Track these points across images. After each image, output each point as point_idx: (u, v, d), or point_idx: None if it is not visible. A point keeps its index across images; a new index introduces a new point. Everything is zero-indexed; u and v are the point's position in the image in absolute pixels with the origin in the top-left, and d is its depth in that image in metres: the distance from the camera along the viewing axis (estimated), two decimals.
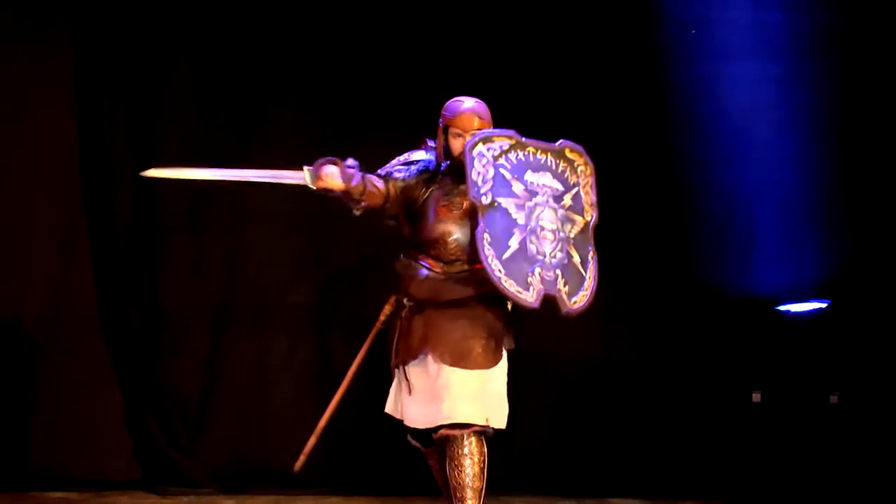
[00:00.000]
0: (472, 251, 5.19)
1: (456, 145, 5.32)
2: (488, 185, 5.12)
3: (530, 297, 5.06)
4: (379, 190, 5.35)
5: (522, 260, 5.11)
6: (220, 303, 7.42)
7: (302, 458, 5.54)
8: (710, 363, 7.48)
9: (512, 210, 5.16)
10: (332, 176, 5.36)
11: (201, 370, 7.40)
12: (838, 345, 7.31)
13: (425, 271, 5.34)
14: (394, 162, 5.47)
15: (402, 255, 5.47)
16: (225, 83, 7.44)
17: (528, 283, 5.08)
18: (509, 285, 5.05)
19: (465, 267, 5.29)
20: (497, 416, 5.32)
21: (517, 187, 5.20)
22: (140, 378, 7.29)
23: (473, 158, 5.12)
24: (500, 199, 5.13)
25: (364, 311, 7.30)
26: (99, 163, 7.29)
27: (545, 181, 5.30)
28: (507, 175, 5.18)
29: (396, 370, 5.46)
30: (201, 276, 7.42)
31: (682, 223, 7.49)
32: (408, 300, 5.39)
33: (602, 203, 7.45)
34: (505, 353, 5.36)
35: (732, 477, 7.33)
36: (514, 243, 5.12)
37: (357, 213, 5.41)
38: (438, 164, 5.42)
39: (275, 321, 7.44)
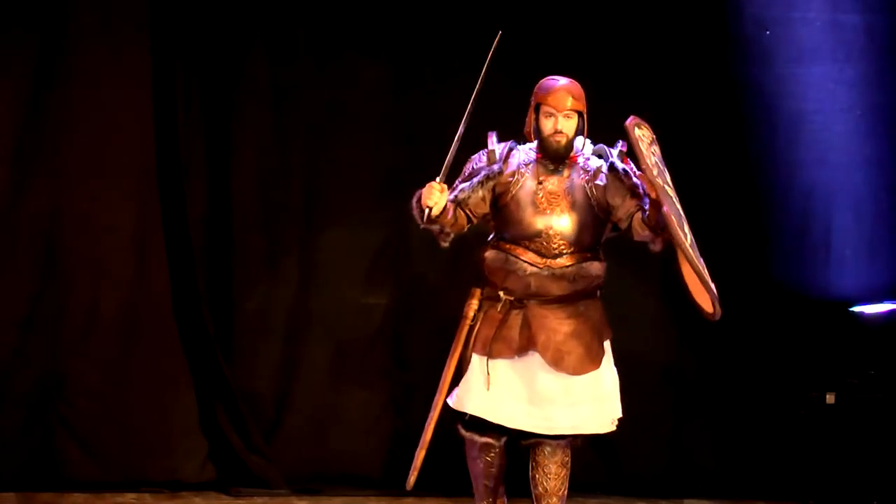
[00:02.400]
0: (577, 244, 5.14)
1: (547, 125, 5.19)
2: (655, 168, 5.01)
3: (714, 292, 4.92)
4: (461, 218, 5.25)
5: (697, 254, 4.96)
6: (295, 303, 7.36)
7: (414, 473, 5.27)
8: (784, 364, 7.48)
9: (674, 199, 5.05)
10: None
11: (276, 372, 7.35)
12: None
13: (527, 266, 5.15)
14: (458, 182, 5.30)
15: (491, 248, 5.28)
16: (302, 80, 7.37)
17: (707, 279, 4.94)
18: (707, 275, 4.90)
19: (570, 261, 5.15)
20: (613, 410, 5.28)
21: (667, 177, 5.11)
22: (214, 380, 7.24)
23: (638, 139, 5.01)
24: (666, 185, 5.02)
25: (441, 311, 7.30)
26: (174, 164, 7.22)
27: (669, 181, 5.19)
28: (659, 164, 5.10)
29: (478, 363, 5.20)
30: (277, 276, 7.36)
31: (759, 224, 7.47)
32: (505, 294, 5.19)
33: (681, 204, 7.51)
34: (608, 344, 5.28)
35: (805, 477, 7.32)
36: (688, 233, 5.01)
37: (445, 244, 5.33)
38: (509, 152, 5.23)
39: (350, 322, 7.39)
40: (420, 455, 5.23)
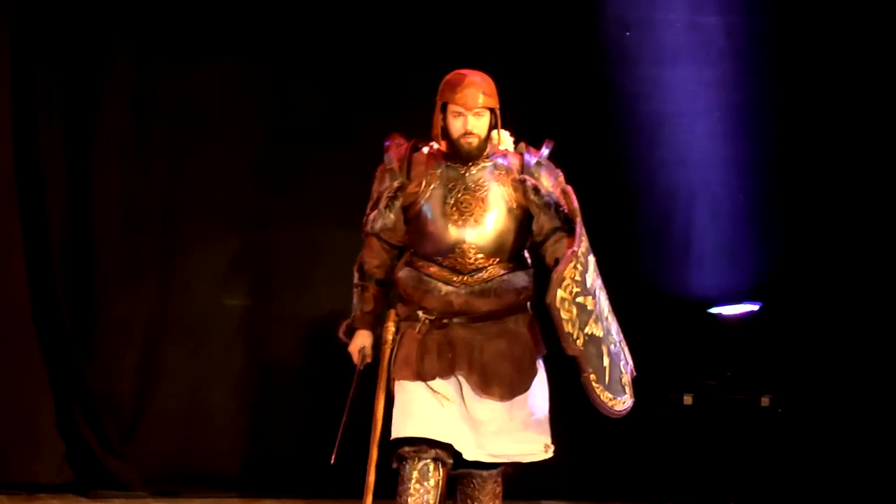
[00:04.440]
0: (497, 254, 4.68)
1: (456, 125, 4.67)
2: (577, 326, 4.54)
3: (628, 399, 4.75)
4: (385, 259, 4.82)
5: (614, 367, 4.69)
6: (154, 306, 7.39)
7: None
8: (643, 364, 7.43)
9: (596, 331, 4.63)
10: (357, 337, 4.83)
11: (135, 374, 7.38)
12: (770, 347, 7.32)
13: (442, 286, 4.67)
14: (368, 208, 4.83)
15: (405, 265, 4.78)
16: (164, 84, 7.38)
17: (622, 385, 4.73)
18: (617, 404, 4.67)
19: (490, 276, 4.68)
20: (545, 435, 4.87)
21: (590, 303, 4.63)
22: (72, 382, 7.28)
23: (559, 310, 4.48)
24: (586, 331, 4.57)
25: (300, 313, 7.37)
26: (33, 169, 7.24)
27: (592, 267, 4.74)
28: (583, 300, 4.59)
29: (412, 387, 4.70)
30: (137, 280, 7.38)
31: (621, 224, 7.42)
32: (425, 313, 4.72)
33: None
34: (540, 362, 4.87)
35: (663, 479, 7.31)
36: (605, 360, 4.66)
37: None
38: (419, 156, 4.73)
39: (210, 325, 7.41)
40: (368, 500, 4.76)
